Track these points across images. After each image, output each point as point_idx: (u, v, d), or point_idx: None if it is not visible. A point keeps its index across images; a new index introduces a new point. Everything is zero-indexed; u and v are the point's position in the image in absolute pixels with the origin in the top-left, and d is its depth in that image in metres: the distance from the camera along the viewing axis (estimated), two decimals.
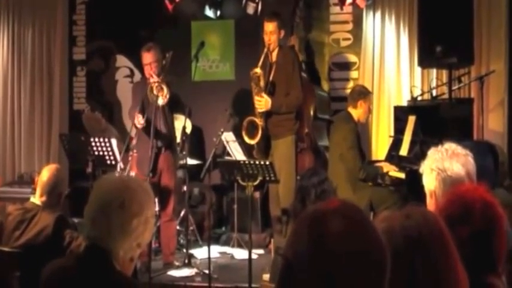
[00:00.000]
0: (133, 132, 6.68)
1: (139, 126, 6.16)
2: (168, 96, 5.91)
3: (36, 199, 4.64)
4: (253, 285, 5.23)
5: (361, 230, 1.44)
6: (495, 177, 3.57)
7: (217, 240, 7.46)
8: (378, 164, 6.57)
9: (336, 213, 1.44)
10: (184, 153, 6.57)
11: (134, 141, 6.68)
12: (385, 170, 6.32)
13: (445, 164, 2.77)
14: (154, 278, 5.81)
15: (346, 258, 1.39)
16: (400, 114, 6.90)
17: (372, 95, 6.94)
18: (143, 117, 6.08)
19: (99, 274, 2.24)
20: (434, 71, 7.31)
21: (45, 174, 4.67)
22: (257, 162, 5.40)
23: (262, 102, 6.24)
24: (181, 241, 7.08)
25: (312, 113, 7.25)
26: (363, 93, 6.51)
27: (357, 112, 6.44)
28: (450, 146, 2.84)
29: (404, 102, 7.33)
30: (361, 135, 6.70)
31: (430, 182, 2.82)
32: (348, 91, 7.25)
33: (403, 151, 6.35)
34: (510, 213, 2.52)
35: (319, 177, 4.62)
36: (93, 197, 2.35)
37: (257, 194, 7.22)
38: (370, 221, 1.50)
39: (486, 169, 3.07)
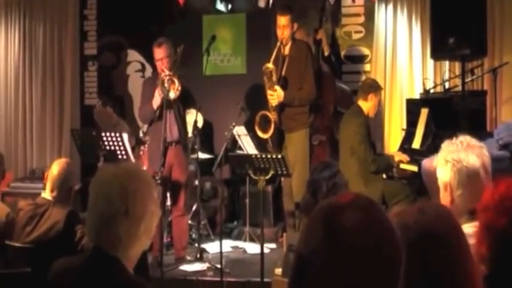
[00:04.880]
0: (145, 127, 6.66)
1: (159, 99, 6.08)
2: (179, 89, 5.89)
3: (47, 194, 4.63)
4: (265, 280, 5.21)
5: (376, 223, 1.41)
6: None
7: (229, 235, 7.44)
8: (388, 154, 6.52)
9: (351, 207, 1.42)
10: (196, 147, 6.55)
11: (146, 137, 6.67)
12: (396, 159, 6.29)
13: (460, 155, 2.73)
14: (166, 273, 5.80)
15: (361, 252, 1.37)
16: (413, 107, 6.87)
17: (382, 90, 6.87)
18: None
19: (106, 276, 2.18)
20: (446, 63, 7.26)
21: (55, 168, 4.66)
22: (269, 156, 5.36)
23: (275, 95, 6.20)
24: (193, 235, 7.07)
25: (331, 106, 7.20)
26: (373, 87, 6.45)
27: (367, 105, 6.37)
28: (465, 139, 2.81)
29: (416, 95, 7.29)
30: (373, 128, 6.66)
31: (445, 173, 2.78)
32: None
33: (416, 144, 6.31)
34: None
35: (330, 171, 4.56)
36: (93, 205, 2.21)
37: (269, 188, 7.20)
38: (385, 214, 1.47)
39: None
